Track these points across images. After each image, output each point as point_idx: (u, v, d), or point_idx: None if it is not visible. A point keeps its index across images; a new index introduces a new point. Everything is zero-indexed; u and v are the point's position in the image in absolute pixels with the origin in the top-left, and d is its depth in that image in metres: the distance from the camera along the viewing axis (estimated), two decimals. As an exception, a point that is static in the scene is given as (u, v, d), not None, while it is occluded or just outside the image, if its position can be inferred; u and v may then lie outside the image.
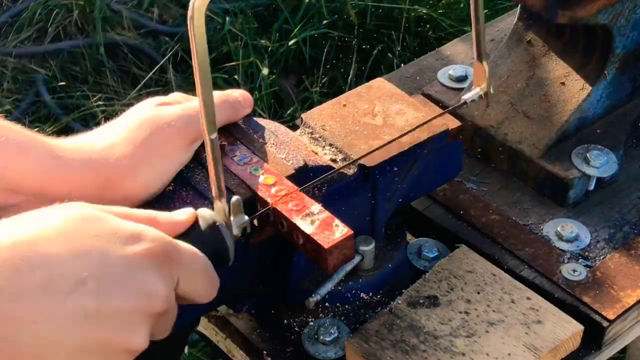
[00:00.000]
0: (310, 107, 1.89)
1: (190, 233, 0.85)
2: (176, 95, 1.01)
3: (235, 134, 1.00)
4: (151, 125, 0.95)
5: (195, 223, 0.85)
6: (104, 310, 0.72)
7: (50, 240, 0.72)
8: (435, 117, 1.05)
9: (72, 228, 0.74)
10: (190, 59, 2.49)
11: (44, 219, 0.74)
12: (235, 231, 0.86)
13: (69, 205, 0.77)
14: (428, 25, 2.67)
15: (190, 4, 0.76)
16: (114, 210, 0.80)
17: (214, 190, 0.85)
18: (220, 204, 0.85)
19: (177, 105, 0.97)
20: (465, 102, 0.99)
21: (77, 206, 0.77)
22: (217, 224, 0.85)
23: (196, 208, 0.92)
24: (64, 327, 0.71)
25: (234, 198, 0.86)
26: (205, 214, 0.86)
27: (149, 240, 0.77)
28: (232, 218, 0.86)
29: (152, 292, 0.75)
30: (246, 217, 0.87)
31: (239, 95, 1.02)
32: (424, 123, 1.04)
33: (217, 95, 0.99)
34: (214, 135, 0.81)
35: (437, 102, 1.20)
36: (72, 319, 0.71)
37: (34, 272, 0.71)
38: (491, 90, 0.98)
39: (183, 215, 0.85)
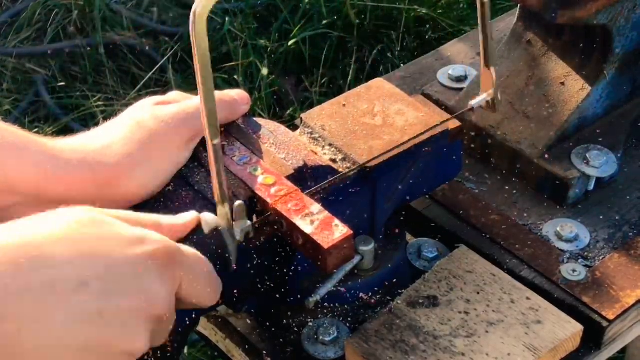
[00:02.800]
0: (310, 107, 1.89)
1: (193, 237, 0.85)
2: (174, 94, 1.01)
3: (235, 134, 1.00)
4: (149, 124, 0.95)
5: (198, 227, 0.85)
6: (106, 312, 0.72)
7: (55, 242, 0.73)
8: (444, 121, 1.04)
9: (78, 231, 0.74)
10: (191, 59, 2.49)
11: (51, 221, 0.75)
12: (238, 236, 0.87)
13: (76, 209, 0.77)
14: (428, 26, 2.67)
15: (192, 10, 0.76)
16: (118, 214, 0.80)
17: (217, 195, 0.85)
18: (223, 209, 0.85)
19: (175, 105, 0.98)
20: (472, 108, 0.99)
21: (83, 210, 0.77)
22: (220, 228, 0.86)
23: (196, 208, 0.92)
24: (66, 327, 0.71)
25: (237, 203, 0.86)
26: (208, 218, 0.86)
27: (152, 243, 0.77)
28: (235, 223, 0.86)
29: (154, 295, 0.76)
30: (249, 222, 0.87)
31: (235, 94, 1.02)
32: (431, 128, 1.03)
33: None
34: (217, 141, 0.81)
35: (436, 102, 1.20)
36: (74, 319, 0.71)
37: (38, 272, 0.71)
38: (499, 97, 0.97)
39: (186, 218, 0.86)
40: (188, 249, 0.81)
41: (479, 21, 0.97)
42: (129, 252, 0.75)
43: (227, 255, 0.86)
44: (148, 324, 0.75)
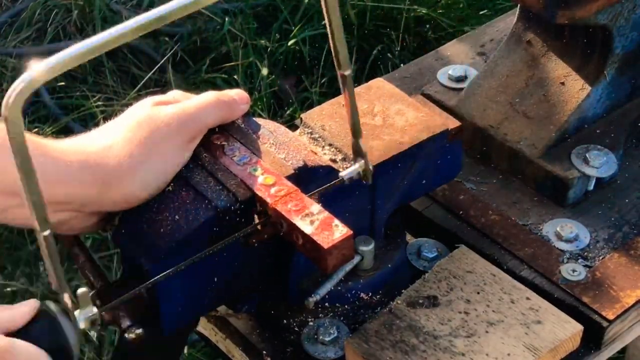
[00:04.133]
0: (310, 107, 1.89)
1: (32, 328, 0.83)
2: (174, 93, 1.01)
3: (235, 134, 1.00)
4: (149, 125, 0.94)
5: (38, 316, 0.83)
6: None
7: None
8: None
9: None
10: (190, 59, 2.48)
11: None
12: (82, 324, 0.83)
13: None
14: (427, 26, 2.66)
15: (4, 101, 0.68)
16: None
17: (55, 284, 0.81)
18: (64, 298, 0.82)
19: (175, 105, 0.97)
20: (343, 179, 0.96)
21: None
22: (58, 317, 0.83)
23: (195, 208, 0.92)
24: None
25: (80, 290, 0.83)
26: (49, 307, 0.84)
27: None
28: (78, 311, 0.83)
29: None
30: (95, 309, 0.84)
31: (234, 94, 1.02)
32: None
33: (212, 95, 0.99)
34: (47, 232, 0.77)
35: (436, 102, 1.20)
36: None
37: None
38: (370, 168, 0.95)
39: (23, 308, 0.83)
40: (21, 344, 0.79)
41: (344, 95, 0.91)
42: None
43: (66, 345, 0.83)
44: None
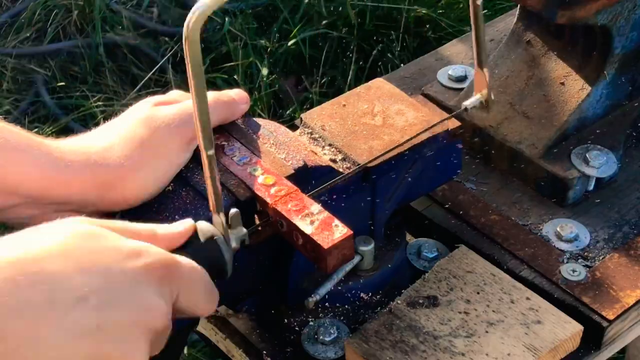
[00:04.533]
0: (310, 107, 1.89)
1: (189, 246, 0.84)
2: (175, 94, 1.01)
3: (235, 134, 1.00)
4: (149, 125, 0.94)
5: (194, 236, 0.85)
6: (105, 326, 0.72)
7: (52, 257, 0.72)
8: (443, 121, 1.04)
9: (74, 245, 0.74)
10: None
11: (46, 236, 0.74)
12: (234, 244, 0.86)
13: (71, 221, 0.77)
14: (427, 26, 2.67)
15: (186, 23, 0.76)
16: (114, 225, 0.80)
17: (212, 204, 0.85)
18: (218, 218, 0.85)
19: (175, 105, 0.97)
20: (465, 109, 0.99)
21: (79, 223, 0.77)
22: (215, 237, 0.85)
23: (195, 208, 0.92)
24: (66, 342, 0.71)
25: (233, 211, 0.86)
26: (203, 227, 0.86)
27: (149, 256, 0.77)
28: (230, 231, 0.86)
29: (152, 308, 0.75)
30: (244, 230, 0.87)
31: (234, 94, 1.02)
32: (431, 127, 1.04)
33: (211, 95, 0.99)
34: (211, 152, 0.81)
35: (436, 102, 1.20)
36: (74, 334, 0.71)
37: (35, 288, 0.70)
38: (492, 97, 0.98)
39: (182, 227, 0.85)
40: (184, 260, 0.81)
41: (472, 22, 0.97)
42: (127, 265, 0.75)
43: (223, 264, 0.86)
44: (147, 336, 0.75)
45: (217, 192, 0.84)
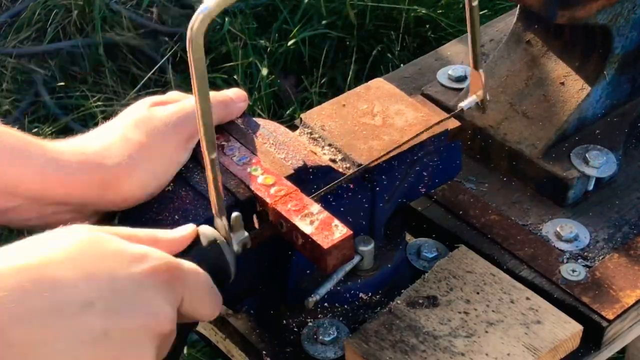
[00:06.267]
0: (310, 107, 1.89)
1: (192, 250, 0.85)
2: (173, 94, 1.01)
3: (235, 134, 1.00)
4: (147, 125, 0.95)
5: (196, 240, 0.85)
6: (112, 331, 0.72)
7: (58, 264, 0.72)
8: (443, 121, 1.05)
9: (79, 251, 0.74)
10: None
11: (51, 243, 0.74)
12: (236, 247, 0.87)
13: (75, 228, 0.77)
14: (427, 26, 2.67)
15: (190, 25, 0.76)
16: (117, 231, 0.80)
17: (214, 208, 0.85)
18: (220, 221, 0.85)
19: (173, 104, 0.98)
20: (462, 110, 0.99)
21: (83, 229, 0.77)
22: (218, 240, 0.85)
23: (195, 208, 0.92)
24: (73, 349, 0.71)
25: (234, 214, 0.86)
26: (206, 231, 0.86)
27: (153, 260, 0.77)
28: (232, 234, 0.86)
29: (158, 312, 0.76)
30: (246, 233, 0.87)
31: (232, 93, 1.02)
32: (430, 127, 1.04)
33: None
34: (214, 155, 0.81)
35: (436, 102, 1.21)
36: (81, 340, 0.71)
37: (42, 296, 0.70)
38: (487, 98, 0.98)
39: (184, 232, 0.85)
40: (188, 264, 0.81)
41: (468, 24, 0.97)
42: (132, 270, 0.75)
43: (226, 268, 0.86)
44: (154, 342, 0.75)
45: (219, 195, 0.84)
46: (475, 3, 0.95)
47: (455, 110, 1.02)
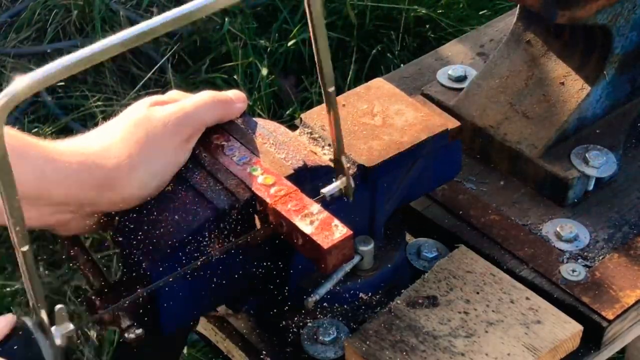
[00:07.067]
0: (310, 107, 1.89)
1: (7, 342, 0.82)
2: (173, 93, 1.01)
3: (234, 134, 1.00)
4: (146, 125, 0.94)
5: (14, 332, 0.82)
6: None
7: None
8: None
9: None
10: (190, 59, 2.47)
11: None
12: (59, 341, 0.82)
13: None
14: (427, 26, 2.66)
15: None
16: None
17: (32, 301, 0.80)
18: (39, 315, 0.80)
19: (172, 104, 0.97)
20: (324, 196, 0.96)
21: None
22: (34, 335, 0.82)
23: (195, 208, 0.92)
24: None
25: (58, 307, 0.82)
26: (26, 322, 0.82)
27: None
28: (55, 327, 0.82)
29: None
30: (72, 326, 0.82)
31: (231, 94, 1.02)
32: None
33: (208, 94, 0.99)
34: (25, 248, 0.75)
35: (436, 102, 1.21)
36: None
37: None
38: (352, 184, 0.95)
39: (1, 323, 0.82)
40: None
41: (328, 114, 0.91)
42: None
43: None
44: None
45: (38, 287, 0.78)
46: (331, 89, 0.89)
47: (319, 196, 0.98)
